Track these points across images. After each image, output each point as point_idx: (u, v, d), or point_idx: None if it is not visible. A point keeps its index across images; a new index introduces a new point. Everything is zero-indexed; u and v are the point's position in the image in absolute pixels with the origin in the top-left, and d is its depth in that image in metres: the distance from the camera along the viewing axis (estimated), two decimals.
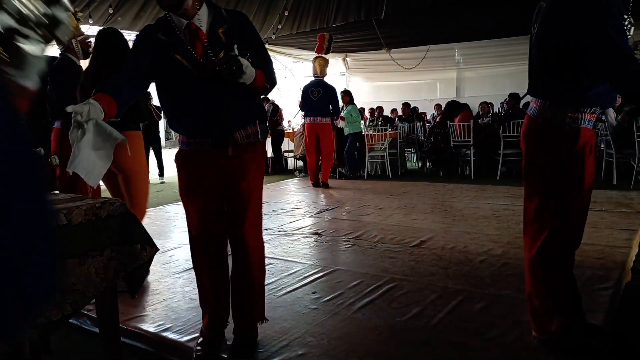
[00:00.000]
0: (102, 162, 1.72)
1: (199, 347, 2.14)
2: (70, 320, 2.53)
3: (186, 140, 2.10)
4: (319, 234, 4.26)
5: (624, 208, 4.68)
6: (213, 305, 2.20)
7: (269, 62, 2.11)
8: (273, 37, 8.91)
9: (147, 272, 2.03)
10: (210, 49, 1.96)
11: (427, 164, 8.70)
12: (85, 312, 2.54)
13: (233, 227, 2.14)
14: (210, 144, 2.05)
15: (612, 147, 6.39)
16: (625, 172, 6.34)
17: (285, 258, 3.61)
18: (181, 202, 2.22)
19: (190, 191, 2.11)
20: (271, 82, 2.09)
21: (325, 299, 2.73)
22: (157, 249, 2.05)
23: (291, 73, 11.64)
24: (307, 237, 4.20)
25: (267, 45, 9.02)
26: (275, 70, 2.16)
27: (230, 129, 2.05)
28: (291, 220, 4.87)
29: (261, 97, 2.26)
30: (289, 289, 2.94)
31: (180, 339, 2.30)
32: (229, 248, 2.21)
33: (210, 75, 1.94)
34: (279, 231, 4.43)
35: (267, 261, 3.50)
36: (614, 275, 2.88)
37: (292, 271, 3.27)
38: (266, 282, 3.06)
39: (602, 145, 7.16)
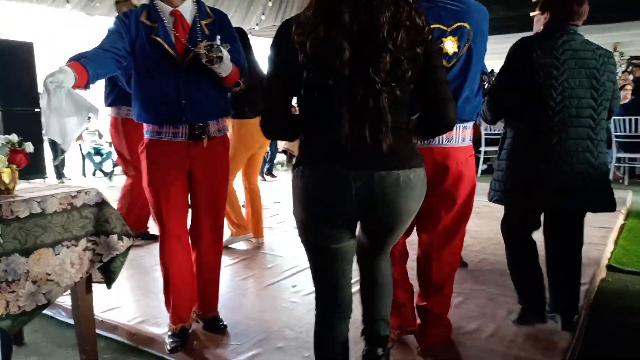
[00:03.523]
0: (75, 127, 1.67)
1: (170, 340, 2.13)
2: (45, 311, 2.49)
3: (158, 129, 2.05)
4: None
5: None
6: (182, 296, 2.18)
7: (244, 62, 2.13)
8: (256, 28, 8.84)
9: (123, 263, 1.99)
10: (192, 37, 1.98)
11: None
12: (60, 303, 2.50)
13: (200, 219, 2.17)
14: (184, 134, 2.04)
15: None
16: None
17: (266, 252, 3.59)
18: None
19: (159, 182, 2.07)
20: (245, 80, 2.14)
21: (305, 293, 2.73)
22: (135, 240, 2.02)
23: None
24: (288, 231, 4.19)
25: (249, 36, 8.94)
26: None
27: (205, 120, 2.06)
28: (273, 213, 4.84)
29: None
30: (268, 282, 2.93)
31: (155, 332, 2.27)
32: None
33: (189, 62, 1.94)
34: None
35: (247, 255, 3.51)
36: (589, 272, 2.93)
37: (273, 265, 3.26)
38: (246, 275, 3.06)
39: None
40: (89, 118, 1.71)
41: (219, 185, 2.18)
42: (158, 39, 1.96)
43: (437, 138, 1.82)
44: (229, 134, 3.54)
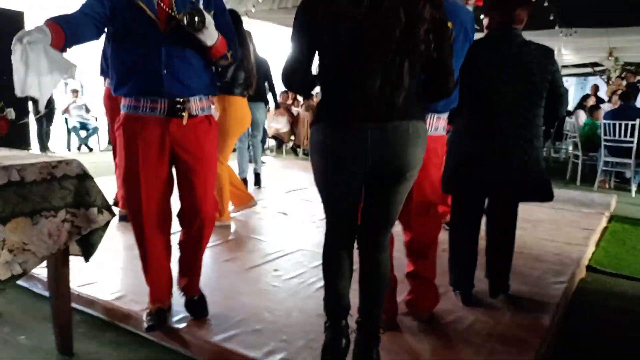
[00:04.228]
0: (50, 86, 1.60)
1: (148, 318, 2.10)
2: (20, 283, 2.47)
3: (134, 103, 1.93)
4: (285, 214, 4.23)
5: (584, 208, 4.81)
6: (157, 277, 2.13)
7: (233, 35, 2.02)
8: (252, 10, 8.70)
9: (102, 237, 1.96)
10: (177, 3, 1.86)
11: None
12: (36, 275, 2.47)
13: (187, 203, 2.07)
14: (163, 110, 1.92)
15: (579, 149, 6.56)
16: (589, 174, 6.52)
17: (250, 235, 3.58)
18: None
19: (137, 161, 1.95)
20: (233, 53, 2.00)
21: (286, 277, 2.72)
22: (114, 214, 1.99)
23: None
24: (273, 216, 4.17)
25: (245, 18, 8.79)
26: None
27: (186, 94, 1.94)
28: (258, 198, 4.82)
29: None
30: (250, 265, 2.91)
31: (132, 308, 2.25)
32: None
33: (172, 30, 1.84)
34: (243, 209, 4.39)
35: (230, 237, 3.49)
36: (569, 271, 2.96)
37: (256, 248, 3.25)
38: (228, 257, 3.05)
39: (571, 148, 7.35)
40: (66, 78, 1.64)
41: (205, 166, 2.04)
42: (140, 2, 1.84)
43: None
44: (217, 115, 3.57)
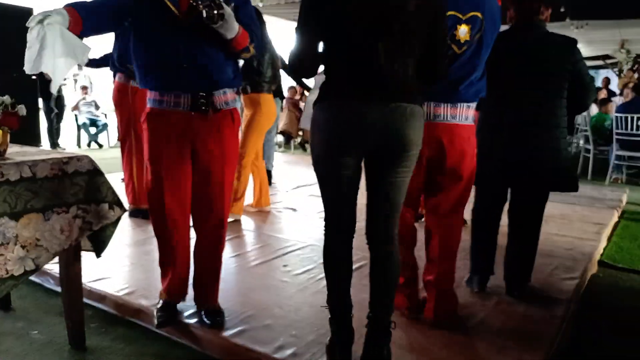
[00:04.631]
0: (64, 68, 1.59)
1: (160, 313, 2.10)
2: (33, 278, 2.49)
3: (159, 97, 1.93)
4: (294, 210, 4.24)
5: (596, 203, 4.76)
6: (176, 272, 2.12)
7: (256, 27, 1.99)
8: (260, 5, 8.69)
9: (113, 232, 1.97)
10: None
11: None
12: (48, 271, 2.49)
13: (203, 201, 2.04)
14: (186, 105, 1.92)
15: (590, 142, 6.49)
16: (601, 168, 6.45)
17: (259, 231, 3.59)
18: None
19: (161, 156, 1.96)
20: (256, 45, 1.98)
21: (295, 273, 2.72)
22: (125, 210, 2.00)
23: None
24: (281, 212, 4.18)
25: None
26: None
27: (210, 88, 1.93)
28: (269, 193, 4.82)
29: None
30: (260, 261, 2.92)
31: (143, 303, 2.26)
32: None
33: (193, 22, 1.81)
34: (252, 204, 4.40)
35: (240, 233, 3.50)
36: (581, 266, 2.94)
37: (265, 244, 3.25)
38: (238, 253, 3.06)
39: (582, 142, 7.28)
40: (79, 65, 1.65)
41: (223, 164, 2.00)
42: None
43: (442, 114, 1.98)
44: (247, 113, 3.63)
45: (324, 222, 1.79)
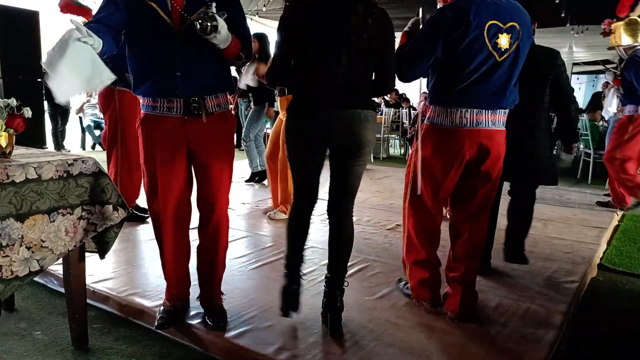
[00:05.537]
0: (81, 87, 1.57)
1: (161, 315, 2.13)
2: (36, 279, 2.51)
3: (152, 103, 1.96)
4: None
5: (596, 207, 4.78)
6: (175, 276, 2.16)
7: (247, 35, 2.04)
8: (263, 10, 8.73)
9: (117, 234, 1.99)
10: (190, 4, 1.87)
11: (410, 151, 8.71)
12: (52, 272, 2.51)
13: (203, 201, 2.08)
14: (179, 109, 1.94)
15: (590, 147, 6.50)
16: (601, 173, 6.45)
17: (260, 233, 3.61)
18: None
19: (155, 160, 1.98)
20: (247, 53, 2.02)
21: None
22: (130, 212, 2.02)
23: None
24: (283, 213, 4.18)
25: (256, 17, 8.75)
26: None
27: (202, 93, 1.96)
28: (265, 197, 4.84)
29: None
30: (261, 262, 2.94)
31: (146, 304, 2.28)
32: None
33: (186, 31, 1.84)
34: (256, 206, 4.42)
35: (240, 234, 3.52)
36: (581, 270, 2.95)
37: (265, 246, 3.27)
38: (238, 255, 3.07)
39: (582, 146, 7.29)
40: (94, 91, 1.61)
41: (220, 163, 2.05)
42: (152, 3, 1.84)
43: (483, 121, 2.10)
44: (281, 116, 3.66)
45: (293, 197, 2.14)
